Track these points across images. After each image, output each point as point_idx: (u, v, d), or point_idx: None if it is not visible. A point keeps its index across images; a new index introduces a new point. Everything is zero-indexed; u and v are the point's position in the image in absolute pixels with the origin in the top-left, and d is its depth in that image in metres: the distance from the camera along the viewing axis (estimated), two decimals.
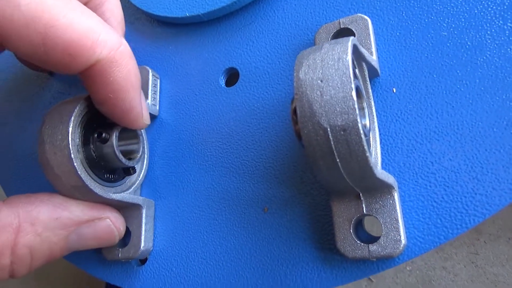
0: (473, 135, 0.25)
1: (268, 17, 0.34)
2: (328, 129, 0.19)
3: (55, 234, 0.27)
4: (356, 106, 0.19)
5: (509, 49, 0.25)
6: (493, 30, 0.26)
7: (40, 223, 0.26)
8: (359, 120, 0.19)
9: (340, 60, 0.19)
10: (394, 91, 0.27)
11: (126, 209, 0.33)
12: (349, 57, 0.19)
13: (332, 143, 0.20)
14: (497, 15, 0.26)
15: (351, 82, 0.19)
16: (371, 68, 0.26)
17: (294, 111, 0.22)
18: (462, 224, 0.24)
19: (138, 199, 0.32)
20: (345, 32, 0.28)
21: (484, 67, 0.25)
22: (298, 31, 0.32)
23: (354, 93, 0.19)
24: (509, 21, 0.25)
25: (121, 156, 0.29)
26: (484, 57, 0.25)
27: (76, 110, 0.27)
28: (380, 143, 0.27)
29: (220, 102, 0.34)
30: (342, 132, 0.19)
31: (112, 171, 0.31)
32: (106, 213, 0.30)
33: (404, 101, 0.27)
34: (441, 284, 0.59)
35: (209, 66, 0.35)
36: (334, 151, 0.20)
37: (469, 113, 0.25)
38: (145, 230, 0.33)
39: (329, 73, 0.19)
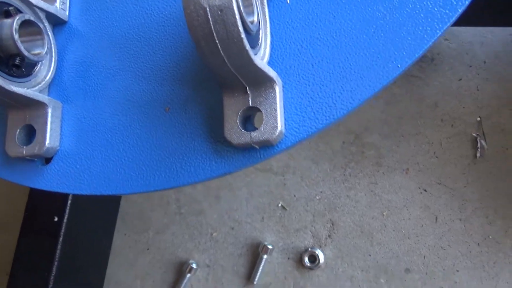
0: (347, 40, 0.28)
1: None
2: (207, 8, 0.21)
3: None
4: None
5: None
6: None
7: None
8: (234, 1, 0.21)
9: None
10: (288, 1, 0.30)
11: (31, 107, 0.33)
12: None
13: (211, 23, 0.22)
14: None
15: None
16: None
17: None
18: (330, 116, 0.27)
19: (43, 97, 0.33)
20: None
21: None
22: None
23: None
24: None
25: (19, 41, 0.29)
26: None
27: None
28: (271, 47, 0.29)
29: (130, 8, 0.34)
30: (219, 12, 0.22)
31: (12, 64, 0.31)
32: None
33: (295, 11, 0.30)
34: (344, 210, 0.66)
35: None
36: (213, 32, 0.22)
37: (346, 21, 0.28)
38: (51, 129, 0.33)
39: None
